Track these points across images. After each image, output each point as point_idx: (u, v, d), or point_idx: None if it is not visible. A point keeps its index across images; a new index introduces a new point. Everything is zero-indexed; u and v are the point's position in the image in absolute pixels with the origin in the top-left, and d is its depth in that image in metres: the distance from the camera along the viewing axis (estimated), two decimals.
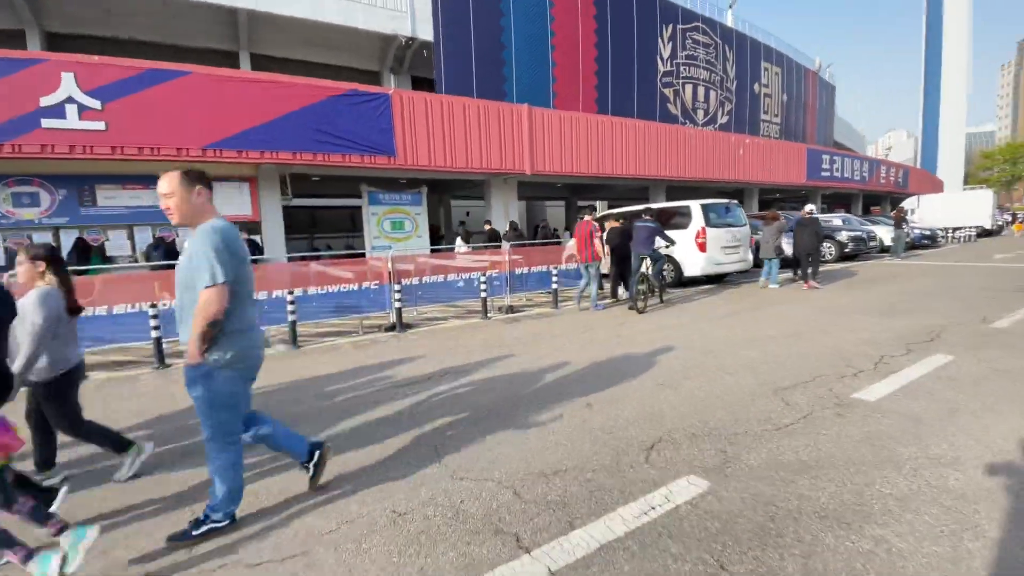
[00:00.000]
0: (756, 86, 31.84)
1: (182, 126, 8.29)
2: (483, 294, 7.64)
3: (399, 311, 7.02)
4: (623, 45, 22.15)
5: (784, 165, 19.62)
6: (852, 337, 5.45)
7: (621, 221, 9.44)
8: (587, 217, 8.42)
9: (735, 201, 10.22)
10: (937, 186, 38.90)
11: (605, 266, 8.71)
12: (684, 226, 9.73)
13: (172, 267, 2.64)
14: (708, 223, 9.54)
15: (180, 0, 13.77)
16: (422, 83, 18.24)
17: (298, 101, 9.28)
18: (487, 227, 12.57)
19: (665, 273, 9.58)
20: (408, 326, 7.22)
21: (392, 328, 7.03)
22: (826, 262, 13.72)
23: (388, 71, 18.28)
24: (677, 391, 3.96)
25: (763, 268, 9.71)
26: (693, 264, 9.70)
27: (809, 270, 9.32)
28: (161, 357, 5.66)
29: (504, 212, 13.31)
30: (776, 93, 33.73)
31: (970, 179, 75.37)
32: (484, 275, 7.76)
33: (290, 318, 6.28)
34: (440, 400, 4.06)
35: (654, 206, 10.40)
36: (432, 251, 11.30)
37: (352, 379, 4.82)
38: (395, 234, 12.00)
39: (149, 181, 8.97)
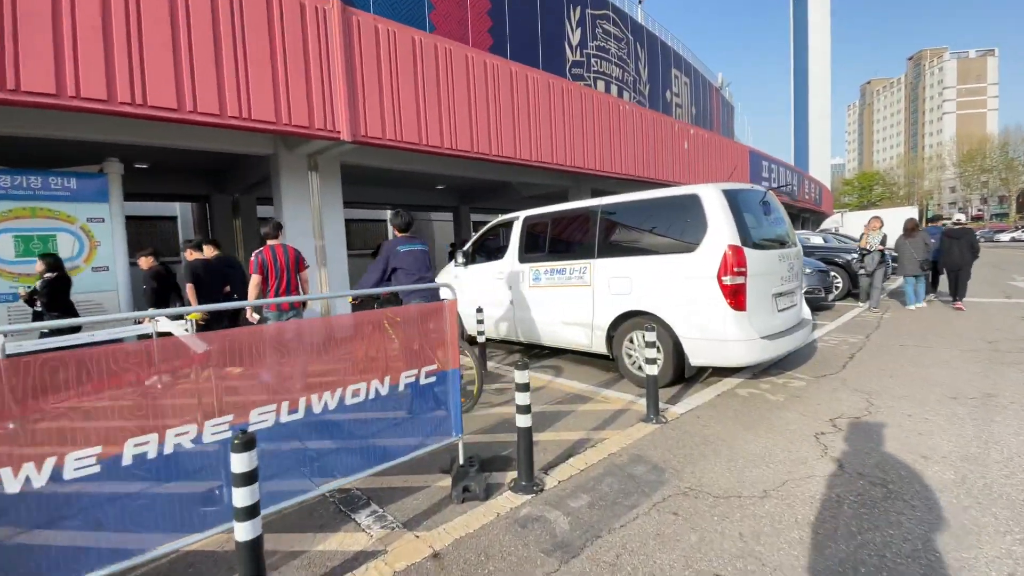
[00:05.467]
0: (668, 93, 29.11)
1: None
2: None
3: None
4: (526, 23, 17.09)
5: (728, 167, 15.56)
6: None
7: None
8: None
9: (769, 189, 4.95)
10: (830, 206, 39.45)
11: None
12: (679, 248, 4.14)
13: None
14: (746, 238, 4.01)
15: None
16: None
17: None
18: (196, 249, 5.46)
19: (631, 353, 3.88)
20: None
21: None
22: (832, 300, 9.16)
23: None
24: None
25: (908, 288, 8.09)
26: (717, 341, 3.84)
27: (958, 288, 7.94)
28: None
29: (314, 222, 6.89)
30: (686, 104, 31.45)
31: (834, 204, 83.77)
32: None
33: None
34: None
35: (607, 200, 4.79)
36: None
37: None
38: (30, 264, 5.13)
39: None
